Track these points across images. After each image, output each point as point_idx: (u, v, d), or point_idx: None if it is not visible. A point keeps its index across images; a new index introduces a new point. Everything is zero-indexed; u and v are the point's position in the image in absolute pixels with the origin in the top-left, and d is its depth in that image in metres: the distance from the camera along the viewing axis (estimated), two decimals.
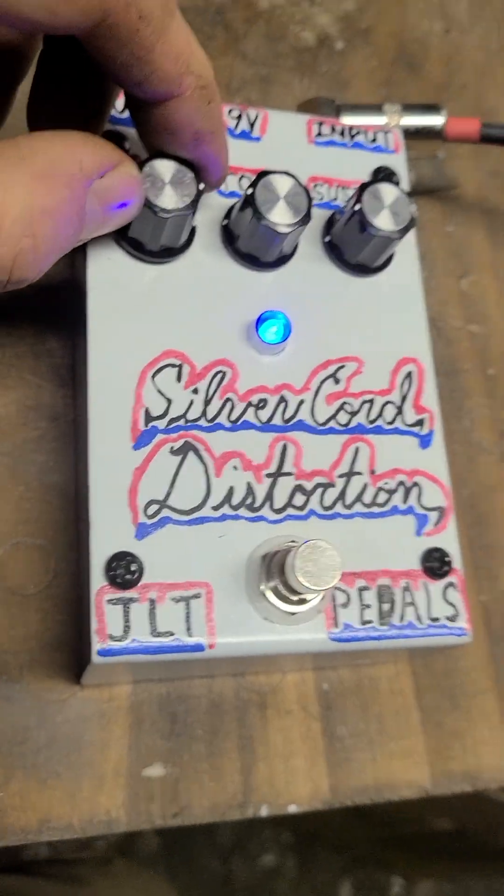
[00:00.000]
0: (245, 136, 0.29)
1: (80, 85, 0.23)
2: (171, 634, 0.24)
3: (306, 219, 0.26)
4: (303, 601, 0.24)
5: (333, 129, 0.31)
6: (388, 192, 0.27)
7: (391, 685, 0.30)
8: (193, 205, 0.25)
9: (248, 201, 0.26)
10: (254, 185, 0.26)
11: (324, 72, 0.40)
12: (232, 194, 0.28)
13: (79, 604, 0.28)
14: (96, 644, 0.23)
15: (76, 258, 0.29)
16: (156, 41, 0.20)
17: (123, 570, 0.24)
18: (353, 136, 0.31)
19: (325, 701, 0.29)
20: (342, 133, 0.31)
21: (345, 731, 0.29)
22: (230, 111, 0.29)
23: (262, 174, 0.26)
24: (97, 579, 0.24)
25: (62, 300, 0.31)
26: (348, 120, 0.33)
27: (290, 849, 0.99)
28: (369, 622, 0.25)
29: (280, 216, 0.26)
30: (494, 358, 0.37)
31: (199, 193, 0.25)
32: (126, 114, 0.28)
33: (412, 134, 0.34)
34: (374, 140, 0.31)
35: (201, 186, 0.25)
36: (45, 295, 0.31)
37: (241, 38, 0.39)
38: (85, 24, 0.19)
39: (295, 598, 0.24)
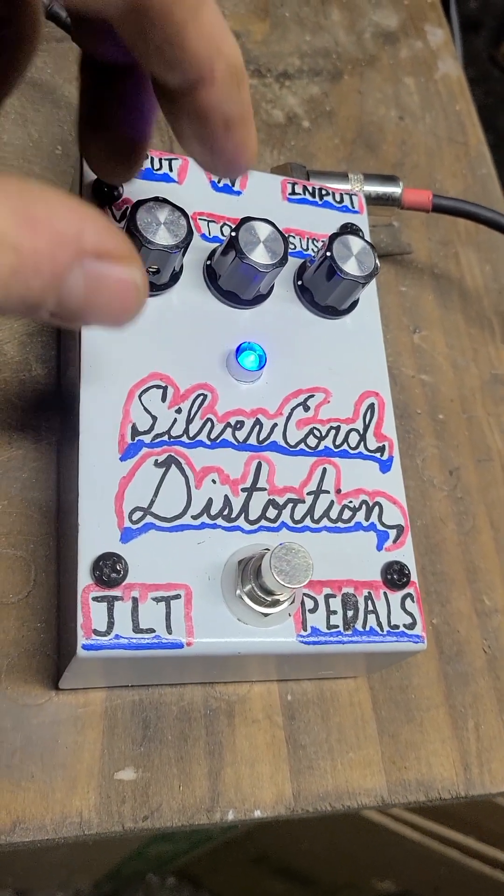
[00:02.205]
0: (227, 189, 0.32)
1: (125, 110, 0.24)
2: (153, 632, 0.25)
3: (283, 261, 0.29)
4: (275, 603, 0.26)
5: (305, 189, 0.34)
6: (355, 243, 0.31)
7: (350, 698, 0.31)
8: (184, 242, 0.28)
9: (232, 243, 0.29)
10: (237, 229, 0.29)
11: (292, 145, 0.44)
12: (215, 239, 0.31)
13: (57, 613, 0.29)
14: (81, 639, 0.24)
15: None
16: (188, 21, 0.19)
17: (109, 570, 0.25)
18: (322, 196, 0.34)
19: (289, 711, 0.30)
20: (313, 193, 0.34)
21: (307, 739, 0.30)
22: None
23: (245, 219, 0.29)
24: (84, 577, 0.25)
25: (48, 331, 0.33)
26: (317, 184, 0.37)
27: None
28: (335, 627, 0.27)
29: (260, 257, 0.29)
30: (443, 405, 0.40)
31: (190, 234, 0.28)
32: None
33: (372, 200, 0.38)
34: (340, 201, 0.34)
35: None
36: (32, 325, 0.33)
37: None
38: (120, 5, 0.19)
39: (268, 598, 0.26)
